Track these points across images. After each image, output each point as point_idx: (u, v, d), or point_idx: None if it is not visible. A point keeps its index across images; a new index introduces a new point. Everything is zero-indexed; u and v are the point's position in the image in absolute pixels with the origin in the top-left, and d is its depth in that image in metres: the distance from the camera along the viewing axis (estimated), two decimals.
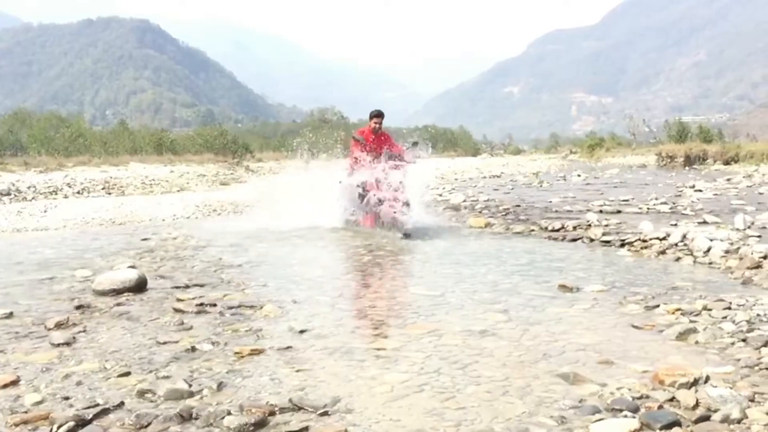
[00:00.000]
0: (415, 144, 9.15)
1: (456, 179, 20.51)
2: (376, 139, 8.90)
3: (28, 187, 17.31)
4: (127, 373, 3.06)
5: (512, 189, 15.25)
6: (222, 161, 28.84)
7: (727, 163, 22.18)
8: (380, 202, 8.14)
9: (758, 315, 3.69)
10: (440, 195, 13.32)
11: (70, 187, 18.17)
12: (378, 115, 9.10)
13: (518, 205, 10.93)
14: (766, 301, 4.01)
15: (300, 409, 2.60)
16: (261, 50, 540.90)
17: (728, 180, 15.61)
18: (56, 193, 16.96)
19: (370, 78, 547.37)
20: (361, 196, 8.48)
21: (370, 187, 8.37)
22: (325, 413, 2.55)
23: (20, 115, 42.68)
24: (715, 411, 2.44)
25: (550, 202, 11.37)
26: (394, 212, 7.89)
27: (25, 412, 2.59)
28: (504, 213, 10.01)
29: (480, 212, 10.21)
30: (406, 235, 7.56)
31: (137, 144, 34.39)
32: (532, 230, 8.06)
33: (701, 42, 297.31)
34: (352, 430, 2.41)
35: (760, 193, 11.39)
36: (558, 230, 7.83)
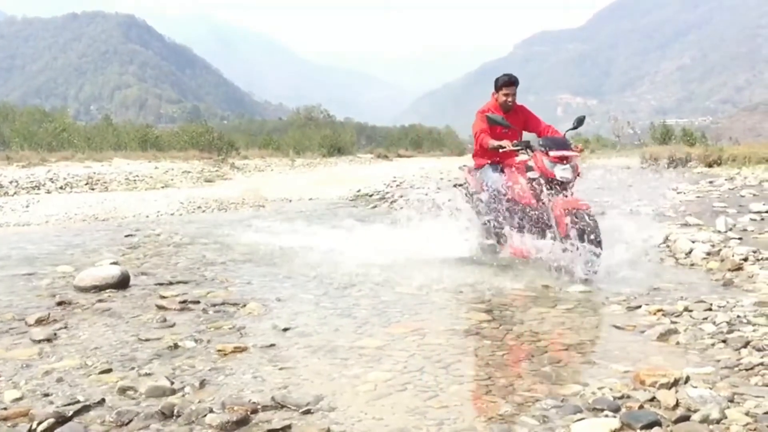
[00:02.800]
0: (580, 122, 5.99)
1: (442, 179, 20.55)
2: (509, 118, 6.04)
3: (10, 182, 17.12)
4: (109, 370, 3.03)
5: None
6: (207, 158, 28.68)
7: (709, 165, 22.35)
8: (545, 226, 5.44)
9: (738, 316, 3.73)
10: (426, 194, 13.33)
11: (52, 182, 17.99)
12: (509, 82, 6.09)
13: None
14: (746, 303, 4.05)
15: (282, 407, 2.60)
16: (248, 47, 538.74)
17: (711, 182, 15.75)
18: (39, 189, 16.78)
19: (357, 77, 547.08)
20: (511, 210, 5.81)
21: (522, 197, 5.68)
22: (308, 411, 2.55)
23: (3, 110, 42.10)
24: (695, 411, 2.46)
25: None
26: (570, 247, 5.04)
27: (5, 409, 2.56)
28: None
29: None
30: (585, 280, 4.90)
31: (121, 140, 34.09)
32: None
33: (685, 46, 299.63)
34: (335, 428, 2.40)
35: (742, 196, 11.51)
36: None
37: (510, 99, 6.11)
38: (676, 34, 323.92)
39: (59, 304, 4.37)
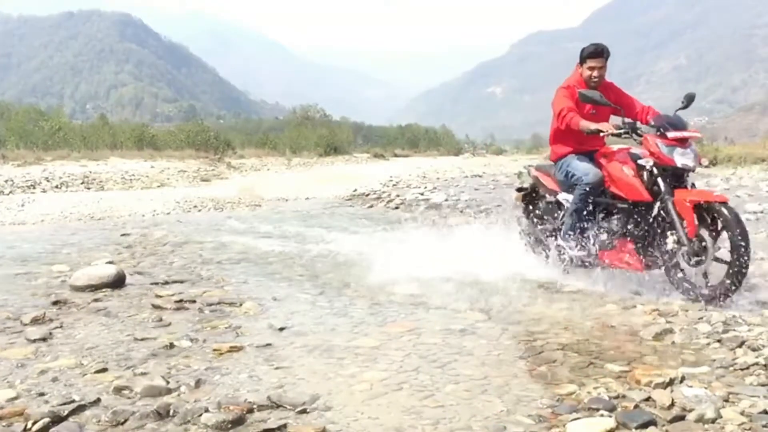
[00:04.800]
0: (690, 99, 4.82)
1: (438, 178, 20.56)
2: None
3: (6, 181, 17.07)
4: (104, 370, 3.03)
5: (494, 189, 15.30)
6: (203, 157, 28.63)
7: (705, 165, 22.42)
8: (663, 227, 4.38)
9: (733, 316, 3.74)
10: (422, 194, 13.33)
11: (48, 181, 17.95)
12: (596, 52, 4.95)
13: (499, 205, 10.97)
14: (742, 303, 4.06)
15: (278, 406, 2.59)
16: (244, 47, 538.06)
17: (706, 183, 15.80)
18: (34, 188, 16.74)
19: (354, 76, 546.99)
20: (614, 210, 4.75)
21: (631, 191, 4.57)
22: (304, 411, 2.55)
23: None
24: (690, 411, 2.47)
25: None
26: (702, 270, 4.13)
27: (0, 408, 2.56)
28: (485, 212, 10.03)
29: (461, 211, 10.23)
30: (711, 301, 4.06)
31: (117, 139, 34.03)
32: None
33: (681, 46, 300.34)
34: (331, 428, 2.40)
35: (737, 196, 11.54)
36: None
37: (596, 74, 4.95)
38: (672, 34, 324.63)
39: (55, 303, 4.36)
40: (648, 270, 4.55)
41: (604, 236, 4.72)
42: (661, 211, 4.37)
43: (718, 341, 3.36)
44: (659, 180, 4.38)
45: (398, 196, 12.98)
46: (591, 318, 3.95)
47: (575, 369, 3.03)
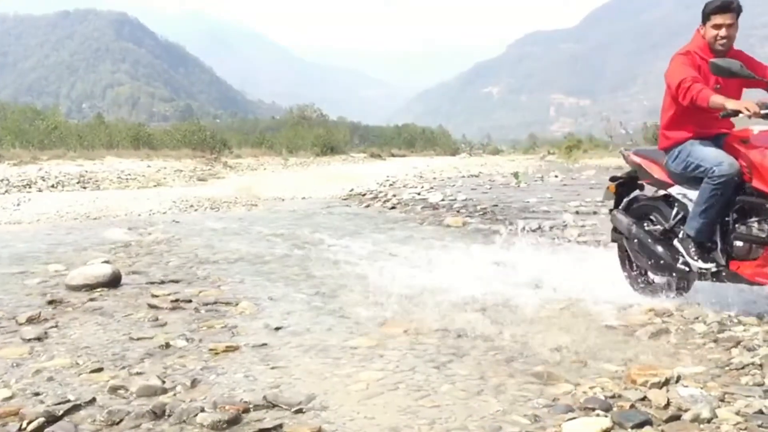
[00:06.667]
0: None
1: (435, 178, 20.56)
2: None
3: (1, 180, 17.04)
4: (100, 369, 3.02)
5: (490, 189, 15.32)
6: (200, 157, 28.62)
7: None
8: None
9: (729, 316, 3.74)
10: (418, 194, 13.34)
11: (44, 180, 17.93)
12: (724, 6, 3.83)
13: (496, 205, 10.98)
14: (737, 303, 4.06)
15: (274, 406, 2.59)
16: (241, 46, 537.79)
17: None
18: (30, 187, 16.71)
19: (351, 76, 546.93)
20: (747, 212, 3.71)
21: None
22: (300, 411, 2.54)
23: None
24: (686, 410, 2.47)
25: (528, 202, 11.43)
26: None
27: None
28: (482, 212, 10.04)
29: (458, 211, 10.23)
30: None
31: (114, 138, 33.96)
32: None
33: (678, 46, 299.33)
34: (327, 427, 2.40)
35: None
36: (534, 230, 7.88)
37: (723, 33, 3.82)
38: (669, 34, 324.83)
39: (50, 302, 4.35)
40: None
41: (740, 243, 3.70)
42: None
43: (714, 341, 3.37)
44: None
45: (395, 195, 12.98)
46: (587, 317, 3.95)
47: (571, 369, 3.03)
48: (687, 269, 3.95)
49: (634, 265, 4.46)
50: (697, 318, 3.77)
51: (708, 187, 3.72)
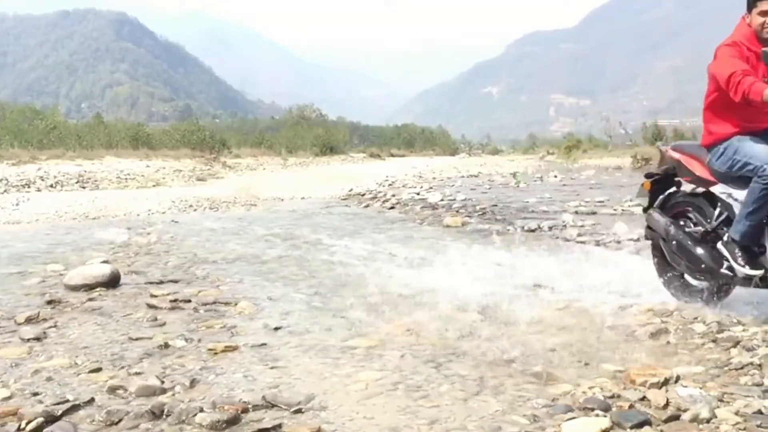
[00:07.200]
0: None
1: (434, 178, 20.56)
2: None
3: (0, 180, 17.03)
4: (98, 369, 3.02)
5: (489, 189, 15.32)
6: (199, 156, 28.62)
7: None
8: None
9: (728, 316, 3.74)
10: (418, 194, 13.34)
11: (43, 180, 17.92)
12: None
13: (495, 205, 10.98)
14: (737, 303, 4.06)
15: (273, 406, 2.59)
16: (241, 46, 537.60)
17: None
18: (29, 187, 16.70)
19: (351, 76, 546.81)
20: None
21: None
22: (299, 411, 2.54)
23: None
24: (685, 410, 2.47)
25: (527, 202, 11.43)
26: None
27: None
28: (481, 212, 10.04)
29: (457, 211, 10.23)
30: None
31: (113, 138, 33.97)
32: (508, 229, 8.10)
33: (678, 47, 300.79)
34: (326, 427, 2.40)
35: None
36: (533, 230, 7.88)
37: None
38: (669, 34, 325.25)
39: (49, 302, 4.35)
40: None
41: None
42: None
43: (713, 341, 3.37)
44: None
45: (394, 195, 12.98)
46: (586, 318, 3.95)
47: (570, 369, 3.03)
48: (732, 274, 3.66)
49: (669, 267, 4.17)
50: (696, 318, 3.77)
51: (757, 187, 3.46)
